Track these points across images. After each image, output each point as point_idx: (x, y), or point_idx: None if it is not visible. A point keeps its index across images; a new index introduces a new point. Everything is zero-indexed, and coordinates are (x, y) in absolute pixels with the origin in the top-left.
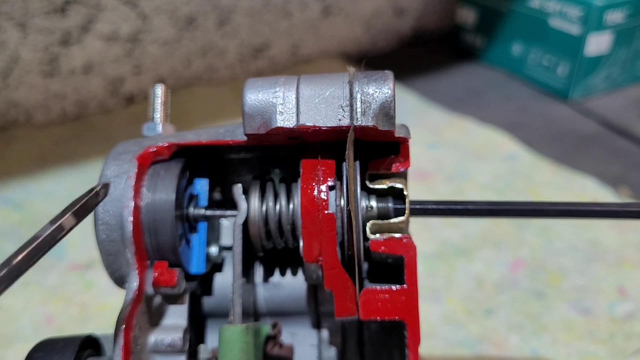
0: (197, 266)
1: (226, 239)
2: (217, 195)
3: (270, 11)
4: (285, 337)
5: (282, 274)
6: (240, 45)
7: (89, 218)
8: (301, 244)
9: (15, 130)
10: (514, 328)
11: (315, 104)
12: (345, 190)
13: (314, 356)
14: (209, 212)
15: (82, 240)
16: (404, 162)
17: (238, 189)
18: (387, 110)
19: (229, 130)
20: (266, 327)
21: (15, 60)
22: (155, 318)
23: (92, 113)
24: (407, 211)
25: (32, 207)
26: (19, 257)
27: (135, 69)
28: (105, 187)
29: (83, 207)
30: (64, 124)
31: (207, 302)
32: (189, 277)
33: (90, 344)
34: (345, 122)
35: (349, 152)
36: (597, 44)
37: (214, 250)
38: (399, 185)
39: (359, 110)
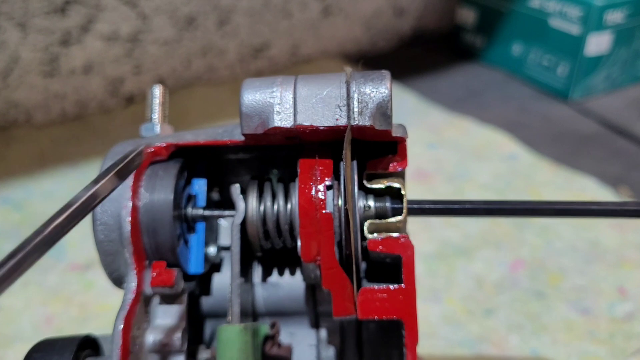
0: (195, 266)
1: (224, 239)
2: (215, 196)
3: (270, 11)
4: (284, 337)
5: (281, 273)
6: (240, 45)
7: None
8: (299, 243)
9: (15, 130)
10: (514, 328)
11: (312, 104)
12: (342, 189)
13: (313, 356)
14: (207, 212)
15: (81, 240)
16: (402, 161)
17: (236, 189)
18: (384, 110)
19: (227, 131)
20: (265, 327)
21: (15, 60)
22: (153, 318)
23: (92, 113)
24: (404, 210)
25: (32, 207)
26: (63, 217)
27: (135, 69)
28: (141, 153)
29: (123, 169)
30: (64, 124)
31: (206, 302)
32: (187, 277)
33: (89, 344)
34: (343, 121)
35: (346, 152)
36: (597, 44)
37: (212, 250)
38: (396, 185)
39: (356, 109)
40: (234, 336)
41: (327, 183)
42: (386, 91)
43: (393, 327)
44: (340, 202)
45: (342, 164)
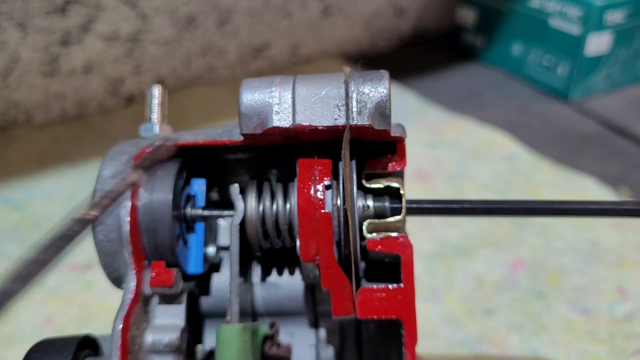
0: (194, 266)
1: (224, 239)
2: (214, 196)
3: (270, 11)
4: (283, 337)
5: (280, 273)
6: (240, 45)
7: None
8: (298, 243)
9: (15, 130)
10: (514, 328)
11: (311, 104)
12: (341, 189)
13: (312, 356)
14: (206, 212)
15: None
16: (400, 161)
17: (235, 189)
18: (382, 110)
19: (226, 131)
20: (264, 327)
21: (15, 60)
22: (152, 318)
23: (92, 113)
24: (403, 210)
25: (32, 207)
26: (93, 207)
27: (135, 69)
28: (166, 142)
29: (150, 163)
30: (64, 124)
31: (205, 302)
32: (186, 277)
33: (88, 344)
34: (341, 121)
35: (345, 152)
36: (597, 44)
37: (211, 250)
38: (395, 185)
39: (354, 109)
40: (233, 336)
41: (326, 183)
42: (385, 91)
43: (392, 326)
44: (339, 201)
45: (341, 164)
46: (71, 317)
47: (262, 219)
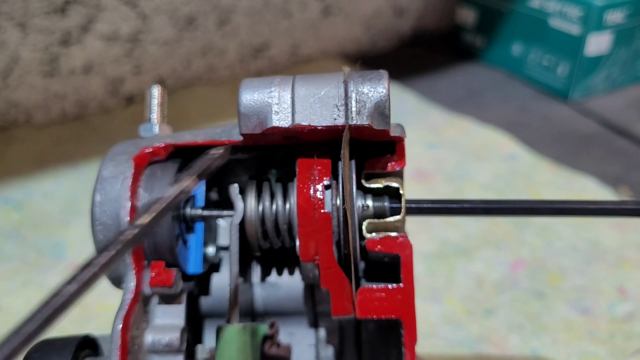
0: (194, 266)
1: (223, 239)
2: (213, 196)
3: (270, 11)
4: (283, 337)
5: (279, 273)
6: (240, 45)
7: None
8: (297, 243)
9: (15, 130)
10: (514, 328)
11: (310, 104)
12: (341, 189)
13: (312, 356)
14: (205, 213)
15: (81, 240)
16: (400, 161)
17: (234, 189)
18: (382, 110)
19: (225, 131)
20: (263, 327)
21: (15, 60)
22: (152, 318)
23: (92, 113)
24: (403, 210)
25: (32, 207)
26: (148, 216)
27: (135, 69)
28: (227, 149)
29: (205, 170)
30: (64, 124)
31: (205, 302)
32: (186, 277)
33: (88, 344)
34: (341, 121)
35: (345, 152)
36: (597, 44)
37: (211, 250)
38: (394, 184)
39: (354, 109)
40: (232, 336)
41: (326, 183)
42: (384, 91)
43: (392, 326)
44: (338, 201)
45: (340, 164)
46: (71, 317)
47: (262, 219)
